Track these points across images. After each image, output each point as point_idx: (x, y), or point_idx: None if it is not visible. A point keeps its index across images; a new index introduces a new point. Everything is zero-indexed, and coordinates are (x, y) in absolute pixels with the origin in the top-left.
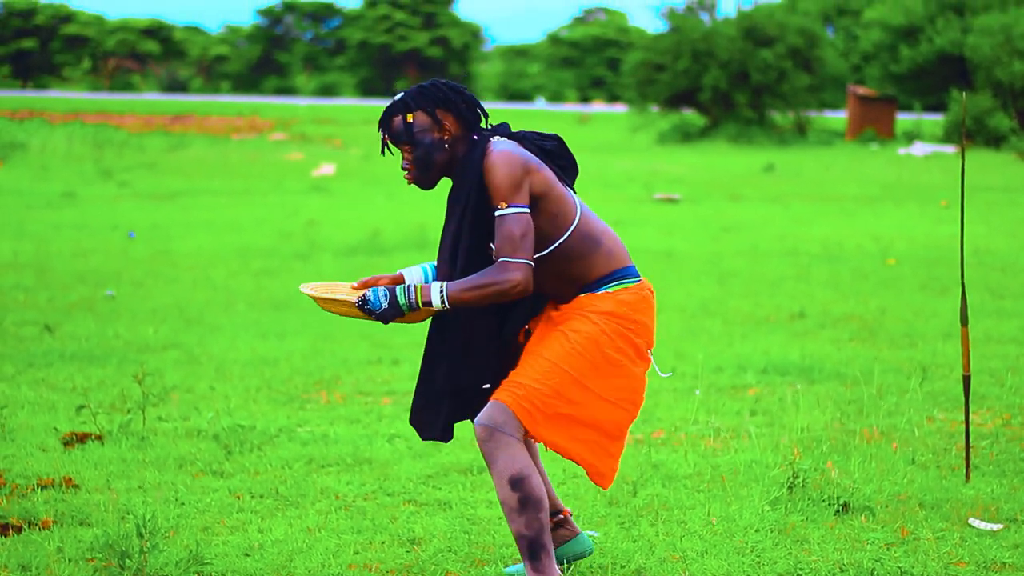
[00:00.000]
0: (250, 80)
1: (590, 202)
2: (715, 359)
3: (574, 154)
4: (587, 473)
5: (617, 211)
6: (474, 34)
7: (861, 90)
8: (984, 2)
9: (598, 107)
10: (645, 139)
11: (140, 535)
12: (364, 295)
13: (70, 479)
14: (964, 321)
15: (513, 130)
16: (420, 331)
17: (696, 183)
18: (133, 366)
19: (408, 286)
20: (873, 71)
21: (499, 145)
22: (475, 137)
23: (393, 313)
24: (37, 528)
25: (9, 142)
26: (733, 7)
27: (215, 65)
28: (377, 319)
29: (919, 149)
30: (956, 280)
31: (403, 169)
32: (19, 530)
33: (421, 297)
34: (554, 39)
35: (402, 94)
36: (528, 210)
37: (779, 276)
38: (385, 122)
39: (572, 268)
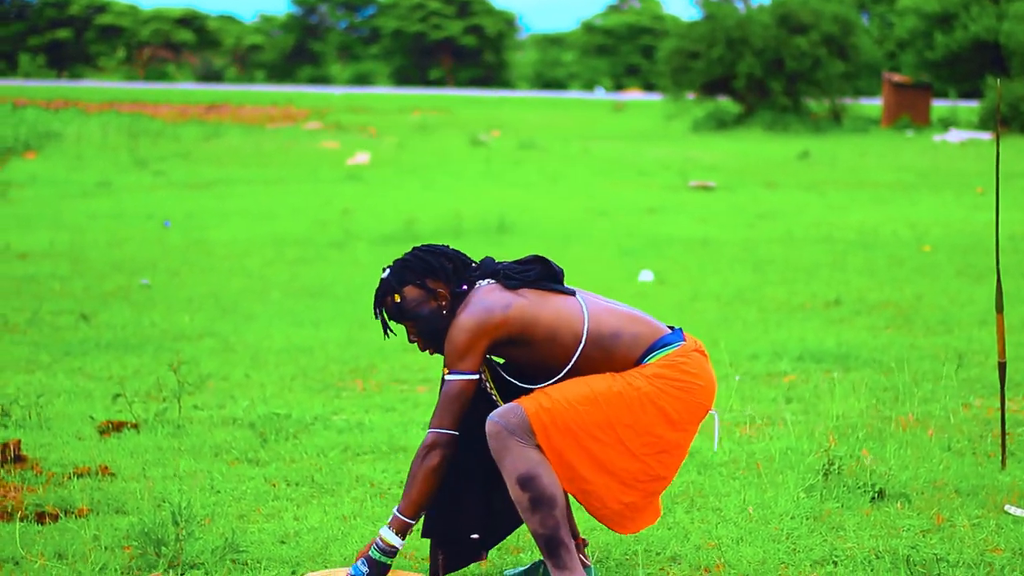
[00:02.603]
0: (284, 69)
1: (625, 191)
2: (750, 346)
3: (557, 265)
4: (602, 518)
5: (652, 199)
6: (508, 22)
7: (896, 77)
8: None
9: (633, 95)
10: (680, 127)
11: (176, 523)
12: None
13: (106, 467)
14: (999, 308)
15: (497, 261)
16: None
17: (731, 170)
18: (169, 354)
19: (374, 544)
20: (908, 58)
21: (470, 305)
22: (464, 287)
23: (379, 572)
24: (73, 516)
25: (44, 132)
26: None
27: (249, 54)
28: None
29: (954, 136)
30: (992, 266)
31: (411, 342)
32: (55, 518)
33: (387, 542)
34: (588, 27)
35: (388, 272)
36: (467, 375)
37: (814, 263)
38: (378, 305)
39: (600, 366)
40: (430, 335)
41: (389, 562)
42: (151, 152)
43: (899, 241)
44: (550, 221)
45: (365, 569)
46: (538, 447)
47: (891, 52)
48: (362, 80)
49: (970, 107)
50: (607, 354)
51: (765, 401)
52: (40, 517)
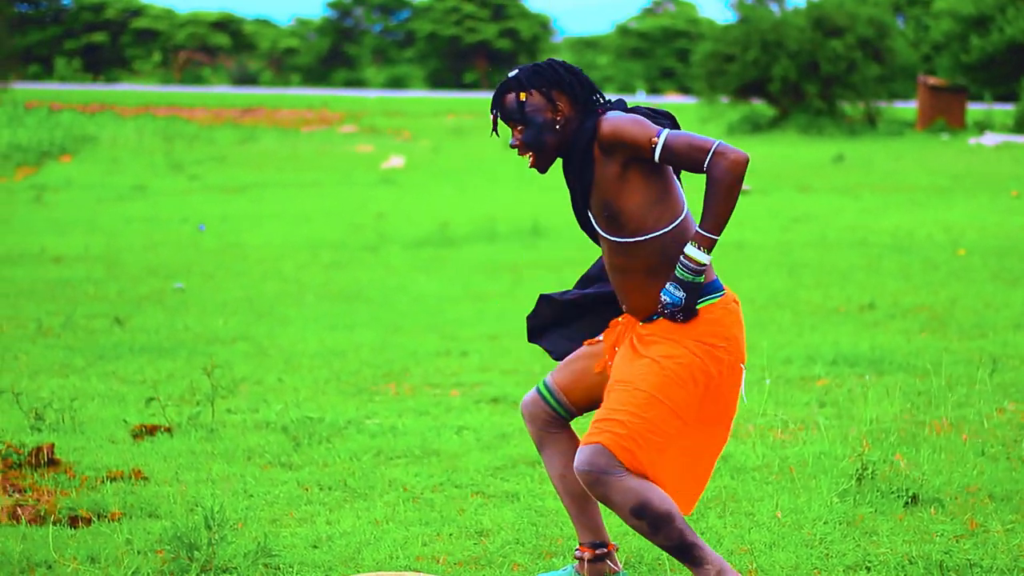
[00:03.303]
0: (320, 73)
1: None
2: (784, 350)
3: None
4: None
5: (687, 201)
6: (543, 25)
7: (931, 80)
8: None
9: (669, 98)
10: (715, 130)
11: (208, 527)
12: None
13: (139, 471)
14: None
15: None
16: (489, 323)
17: (766, 174)
18: (202, 358)
19: (681, 261)
20: (943, 61)
21: (609, 112)
22: (585, 110)
23: (694, 296)
24: (106, 520)
25: (80, 135)
26: None
27: (285, 58)
28: (685, 314)
29: (990, 139)
30: None
31: (512, 147)
32: (88, 522)
33: (694, 259)
34: (623, 30)
35: (517, 71)
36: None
37: (849, 267)
38: (497, 100)
39: (662, 271)
40: (535, 144)
41: (700, 280)
42: (186, 156)
43: (934, 245)
44: None
45: (680, 293)
46: (629, 472)
47: (926, 55)
48: (397, 83)
49: (1005, 110)
50: (674, 254)
51: (798, 405)
52: (73, 521)
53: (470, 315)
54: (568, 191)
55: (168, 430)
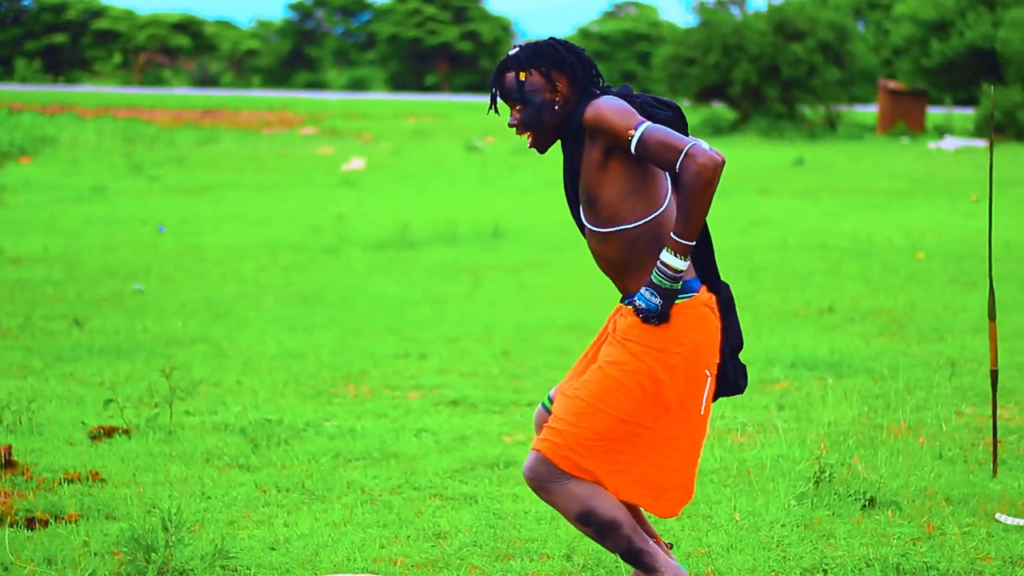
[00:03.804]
0: (281, 74)
1: None
2: (743, 353)
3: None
4: (645, 508)
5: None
6: (504, 28)
7: (892, 84)
8: None
9: None
10: None
11: (166, 529)
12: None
13: (97, 473)
14: (992, 315)
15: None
16: (449, 326)
17: (726, 177)
18: (161, 360)
19: (656, 269)
20: (904, 65)
21: (601, 96)
22: (584, 91)
23: (670, 302)
24: (63, 522)
25: (40, 137)
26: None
27: (246, 59)
28: (659, 319)
29: (949, 143)
30: (985, 274)
31: (510, 126)
32: (45, 524)
33: (669, 266)
34: (584, 33)
35: (517, 50)
36: (647, 121)
37: (808, 270)
38: (497, 78)
39: (632, 263)
40: (533, 124)
41: (677, 287)
42: (146, 157)
43: (893, 248)
44: (544, 227)
45: (656, 300)
46: (576, 478)
47: (887, 59)
48: (358, 85)
49: (965, 114)
50: (653, 251)
51: (757, 408)
52: (30, 523)
53: (430, 317)
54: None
55: (126, 432)
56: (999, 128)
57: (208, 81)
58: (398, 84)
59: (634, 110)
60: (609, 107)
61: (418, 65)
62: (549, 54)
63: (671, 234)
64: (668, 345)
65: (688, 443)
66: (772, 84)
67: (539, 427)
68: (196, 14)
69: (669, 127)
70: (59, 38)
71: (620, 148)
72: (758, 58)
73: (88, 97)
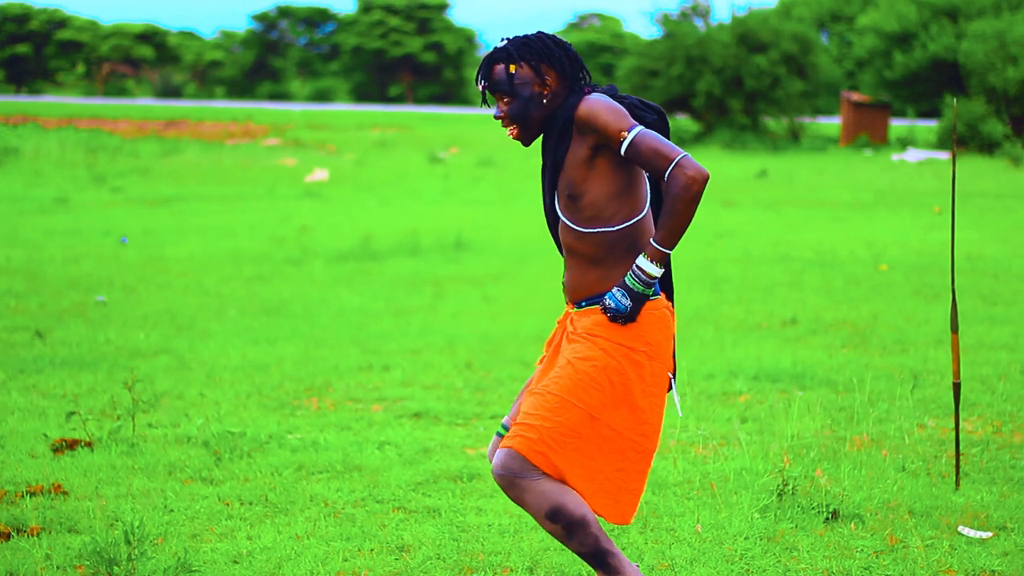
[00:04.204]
0: (244, 85)
1: None
2: (706, 365)
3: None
4: (602, 516)
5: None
6: (468, 39)
7: (855, 96)
8: (978, 8)
9: None
10: None
11: (128, 542)
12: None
13: (59, 486)
14: (954, 328)
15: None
16: (412, 338)
17: None
18: (124, 372)
19: (631, 273)
20: (867, 77)
21: (594, 94)
22: (572, 88)
23: (639, 306)
24: (25, 535)
25: (2, 147)
26: (727, 13)
27: (209, 70)
28: (626, 320)
29: (912, 155)
30: (948, 286)
31: (496, 119)
32: (7, 537)
33: (645, 271)
34: None
35: (506, 42)
36: (639, 125)
37: (771, 282)
38: (485, 70)
39: (607, 262)
40: (520, 117)
41: (648, 292)
42: (109, 168)
43: (856, 260)
44: (507, 238)
45: (626, 301)
46: (547, 475)
47: (850, 71)
48: (322, 97)
49: (928, 126)
50: (627, 255)
51: (720, 421)
52: None
53: (393, 329)
54: (541, 167)
55: (89, 444)
56: (961, 140)
57: (171, 92)
58: (362, 95)
59: (627, 112)
60: (604, 106)
61: (382, 76)
62: (539, 48)
63: (651, 241)
64: (634, 343)
65: (651, 446)
66: (735, 96)
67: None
68: (159, 25)
69: (655, 131)
70: (22, 48)
71: (608, 148)
72: (721, 70)
73: (51, 107)
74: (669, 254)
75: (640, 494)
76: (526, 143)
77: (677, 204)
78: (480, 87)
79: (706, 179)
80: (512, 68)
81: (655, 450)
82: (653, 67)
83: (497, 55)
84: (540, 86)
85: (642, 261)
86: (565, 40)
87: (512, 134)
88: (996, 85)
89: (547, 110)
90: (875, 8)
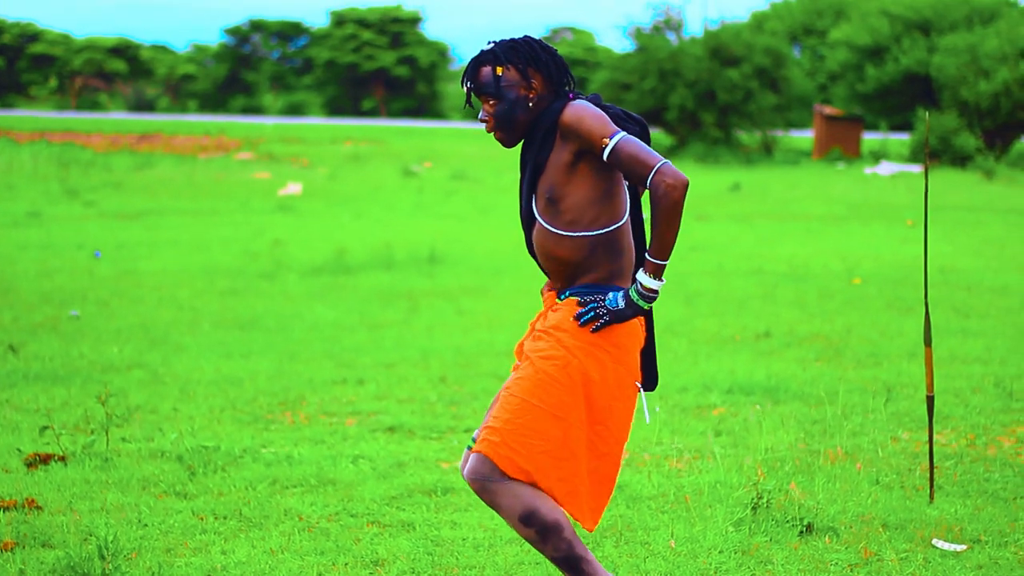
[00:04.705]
0: (217, 99)
1: None
2: (680, 379)
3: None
4: (576, 519)
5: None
6: (441, 53)
7: (827, 110)
8: (950, 22)
9: None
10: None
11: (102, 557)
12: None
13: (33, 500)
14: (928, 341)
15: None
16: (386, 351)
17: None
18: (97, 386)
19: (634, 285)
20: (839, 91)
21: (579, 100)
22: (556, 93)
23: (632, 314)
24: None
25: None
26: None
27: (182, 84)
28: (611, 320)
29: (885, 168)
30: (921, 299)
31: (481, 120)
32: None
33: (646, 287)
34: None
35: (492, 45)
36: (623, 132)
37: (745, 296)
38: (472, 72)
39: (585, 266)
40: (506, 120)
41: (646, 307)
42: (82, 182)
43: (829, 273)
44: (481, 253)
45: (622, 302)
46: (517, 480)
47: (822, 84)
48: (295, 110)
49: (901, 139)
50: (608, 258)
51: (694, 434)
52: None
53: (367, 343)
54: (520, 170)
55: (62, 459)
56: (934, 153)
57: (144, 106)
58: (335, 109)
59: (610, 119)
60: (589, 112)
61: (355, 90)
62: (526, 51)
63: (646, 255)
64: (599, 341)
65: (609, 450)
66: (708, 109)
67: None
68: (132, 38)
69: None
70: None
71: (591, 154)
72: (694, 83)
73: (23, 121)
74: (665, 265)
75: (604, 500)
76: (508, 145)
77: (660, 211)
78: (465, 88)
79: (686, 185)
80: (499, 70)
81: (619, 455)
82: (626, 80)
83: (484, 57)
84: (526, 89)
85: (642, 276)
86: (552, 46)
87: (496, 136)
88: (968, 99)
89: (532, 113)
90: (847, 22)
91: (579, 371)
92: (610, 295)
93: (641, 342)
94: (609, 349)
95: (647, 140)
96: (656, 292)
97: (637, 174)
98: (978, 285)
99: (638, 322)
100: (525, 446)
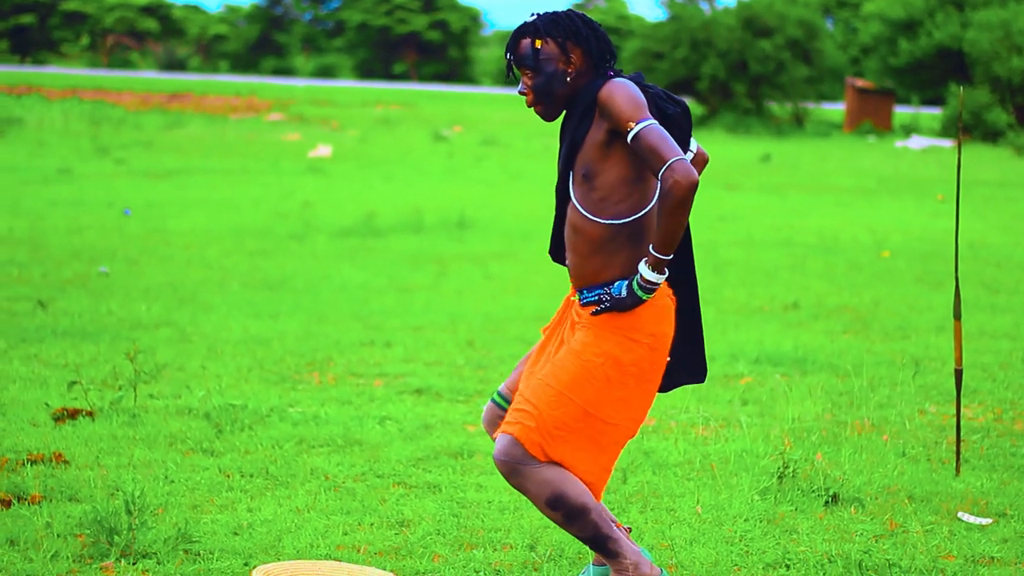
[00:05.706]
0: (248, 60)
1: None
2: (708, 348)
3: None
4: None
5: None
6: (473, 18)
7: (859, 82)
8: None
9: None
10: None
11: (129, 512)
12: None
13: (60, 455)
14: (957, 315)
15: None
16: (414, 315)
17: None
18: (125, 343)
19: (636, 276)
20: (872, 64)
21: (620, 79)
22: (596, 68)
23: (634, 304)
24: (26, 503)
25: (6, 117)
26: None
27: (214, 44)
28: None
29: (916, 143)
30: (950, 274)
31: (520, 93)
32: (8, 504)
33: (646, 279)
34: None
35: (535, 17)
36: (653, 120)
37: (774, 266)
38: (512, 44)
39: (608, 248)
40: (544, 93)
41: (646, 297)
42: (112, 140)
43: (859, 246)
44: (511, 218)
45: (624, 291)
46: (545, 463)
47: (855, 57)
48: (326, 73)
49: (932, 114)
50: (636, 243)
51: (721, 403)
52: None
53: (395, 306)
54: (559, 145)
55: (90, 414)
56: (966, 129)
57: (175, 65)
58: (366, 72)
59: (646, 105)
60: (625, 93)
61: (386, 53)
62: (567, 25)
63: (650, 248)
64: (637, 335)
65: (635, 432)
66: (740, 80)
67: (489, 424)
68: None
69: (676, 123)
70: (27, 19)
71: (621, 135)
72: (726, 54)
73: (55, 79)
74: (667, 260)
75: (610, 471)
76: (548, 118)
77: (664, 206)
78: (507, 59)
79: (693, 185)
80: (538, 43)
81: (634, 435)
82: (658, 50)
83: (525, 29)
84: (565, 63)
85: (643, 269)
86: (595, 21)
87: (537, 109)
88: (1001, 74)
89: (571, 88)
90: None
91: (616, 366)
92: (615, 284)
93: (674, 326)
94: (647, 339)
95: (688, 122)
96: (656, 285)
97: (652, 165)
98: (1008, 261)
99: (672, 303)
100: (556, 436)
